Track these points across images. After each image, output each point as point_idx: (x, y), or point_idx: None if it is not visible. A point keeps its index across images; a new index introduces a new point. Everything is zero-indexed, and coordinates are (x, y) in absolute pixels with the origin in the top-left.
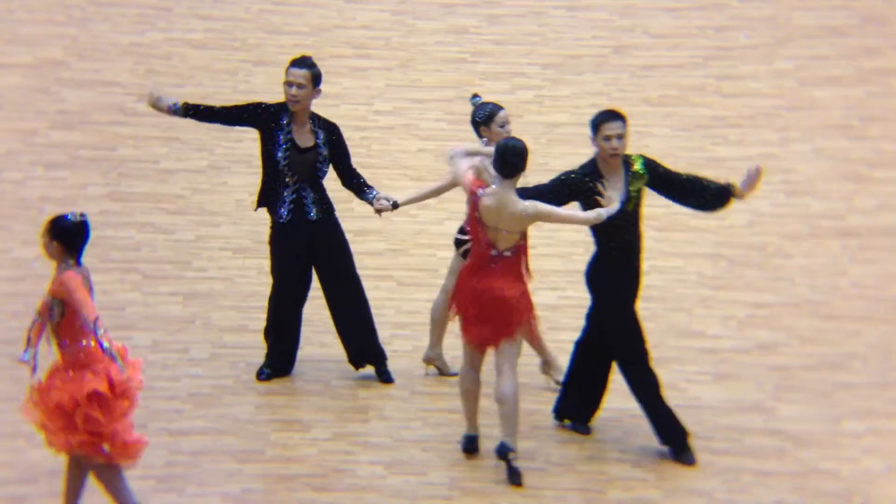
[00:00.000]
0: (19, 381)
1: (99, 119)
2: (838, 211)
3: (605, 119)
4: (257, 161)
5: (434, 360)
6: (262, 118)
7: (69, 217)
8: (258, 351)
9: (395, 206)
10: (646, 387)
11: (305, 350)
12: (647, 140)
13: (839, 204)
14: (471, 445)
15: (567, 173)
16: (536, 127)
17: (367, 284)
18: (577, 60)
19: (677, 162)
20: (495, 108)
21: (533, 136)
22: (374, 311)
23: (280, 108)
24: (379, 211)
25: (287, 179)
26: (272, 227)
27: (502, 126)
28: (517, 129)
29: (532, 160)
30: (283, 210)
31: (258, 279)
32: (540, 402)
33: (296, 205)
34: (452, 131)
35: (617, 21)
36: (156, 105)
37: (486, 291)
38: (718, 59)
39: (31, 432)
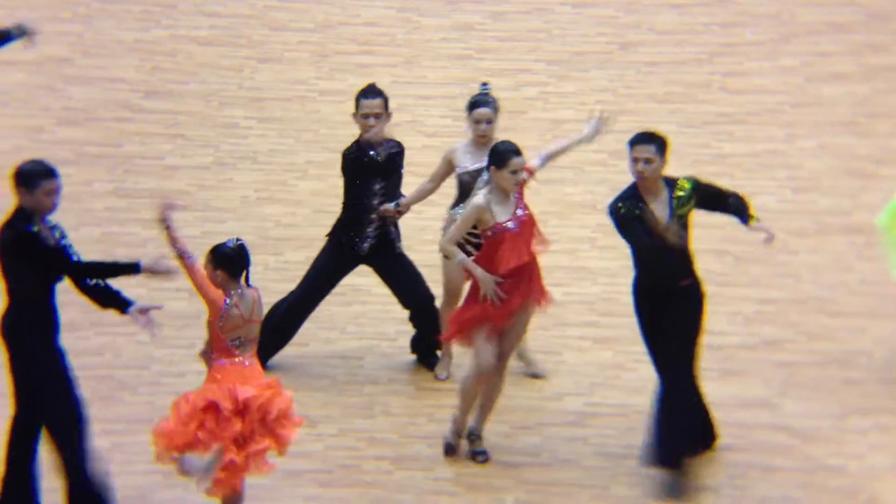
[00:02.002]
0: None
1: (104, 116)
2: (845, 207)
3: (635, 141)
4: (262, 157)
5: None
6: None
7: (229, 244)
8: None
9: (398, 207)
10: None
11: (311, 346)
12: None
13: (845, 200)
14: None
15: (615, 206)
16: (542, 123)
17: (371, 281)
18: (582, 57)
19: (683, 159)
20: (480, 100)
21: (538, 132)
22: (379, 307)
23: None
24: (384, 216)
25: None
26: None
27: (477, 122)
28: (522, 126)
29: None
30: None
31: (263, 275)
32: (543, 398)
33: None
34: (457, 128)
35: (622, 18)
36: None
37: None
38: (724, 56)
39: None
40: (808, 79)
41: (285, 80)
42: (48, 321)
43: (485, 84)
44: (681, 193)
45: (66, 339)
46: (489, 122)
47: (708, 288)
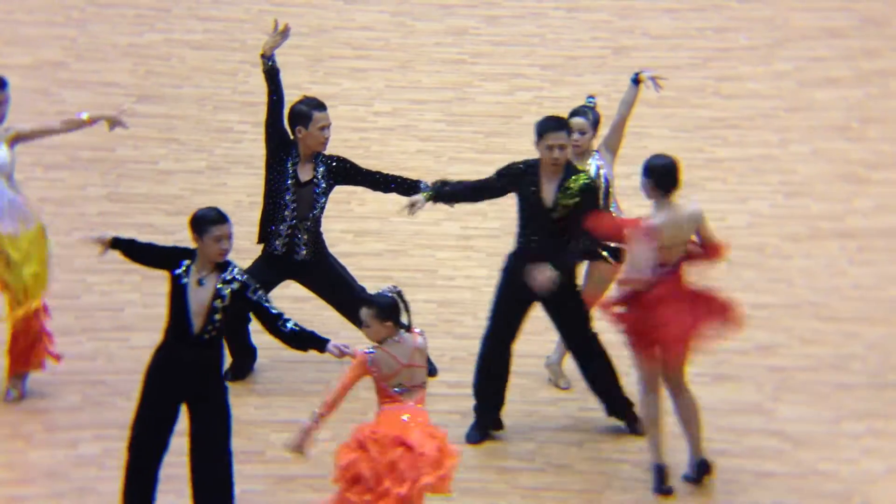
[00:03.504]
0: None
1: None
2: (837, 212)
3: (549, 129)
4: (256, 162)
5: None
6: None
7: (387, 294)
8: (258, 351)
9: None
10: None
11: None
12: (645, 141)
13: (838, 205)
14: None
15: (513, 166)
16: None
17: (366, 285)
18: (576, 61)
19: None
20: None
21: (532, 137)
22: None
23: None
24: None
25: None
26: None
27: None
28: (516, 130)
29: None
30: None
31: None
32: (538, 403)
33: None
34: (451, 132)
35: (616, 22)
36: None
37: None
38: (717, 61)
39: (30, 433)
40: (802, 84)
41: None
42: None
43: (591, 97)
44: (572, 186)
45: (59, 345)
46: (582, 132)
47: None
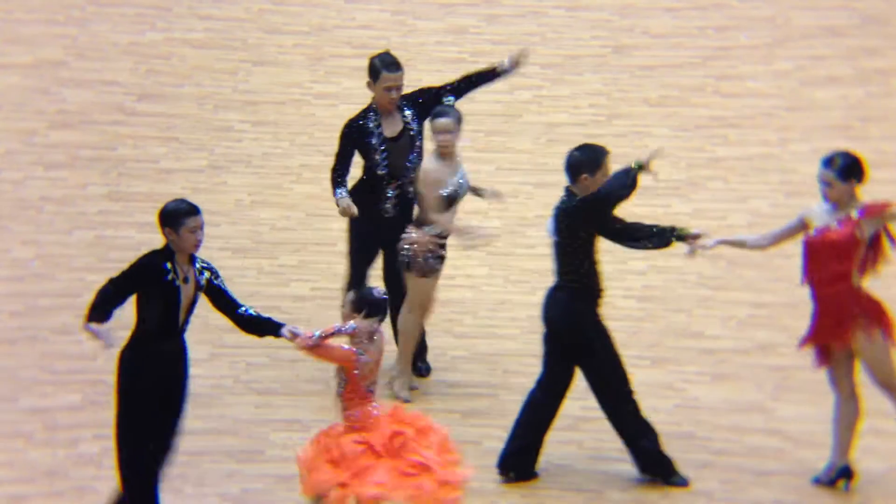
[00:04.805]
0: (19, 381)
1: (98, 119)
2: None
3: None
4: (257, 161)
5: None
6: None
7: (376, 293)
8: (258, 351)
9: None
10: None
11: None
12: (646, 140)
13: None
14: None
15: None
16: (536, 127)
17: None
18: (576, 60)
19: (677, 163)
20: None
21: (532, 136)
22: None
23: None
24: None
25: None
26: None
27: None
28: (516, 129)
29: (531, 160)
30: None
31: (257, 279)
32: None
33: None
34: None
35: (616, 21)
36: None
37: None
38: (718, 60)
39: (30, 432)
40: (802, 82)
41: (280, 84)
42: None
43: (449, 96)
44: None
45: (59, 344)
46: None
47: (702, 292)
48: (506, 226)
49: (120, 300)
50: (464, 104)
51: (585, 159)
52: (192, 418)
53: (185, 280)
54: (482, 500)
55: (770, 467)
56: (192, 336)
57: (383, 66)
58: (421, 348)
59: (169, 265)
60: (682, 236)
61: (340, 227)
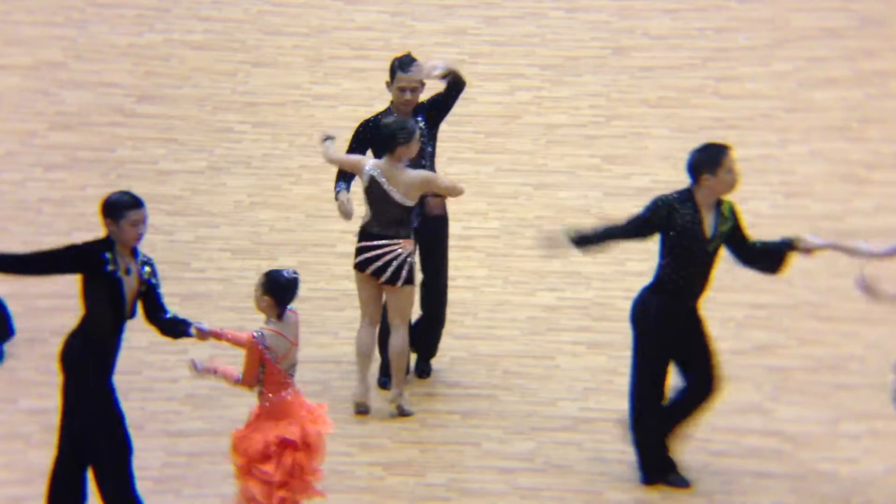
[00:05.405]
0: (18, 382)
1: (98, 120)
2: (837, 212)
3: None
4: (256, 162)
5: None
6: None
7: (285, 274)
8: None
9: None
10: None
11: (304, 351)
12: (646, 142)
13: (838, 205)
14: None
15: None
16: (535, 128)
17: None
18: (576, 62)
19: (676, 164)
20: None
21: (532, 137)
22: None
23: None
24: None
25: None
26: None
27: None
28: (516, 130)
29: (530, 161)
30: None
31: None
32: (538, 403)
33: None
34: (451, 132)
35: (616, 22)
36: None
37: None
38: (717, 61)
39: (29, 433)
40: (801, 84)
41: (279, 85)
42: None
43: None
44: (724, 209)
45: (58, 345)
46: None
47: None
48: (505, 227)
49: (41, 268)
50: (464, 105)
51: (705, 159)
52: (192, 419)
53: (128, 272)
54: (479, 501)
55: (769, 469)
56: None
57: (399, 67)
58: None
59: (109, 255)
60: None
61: (340, 228)
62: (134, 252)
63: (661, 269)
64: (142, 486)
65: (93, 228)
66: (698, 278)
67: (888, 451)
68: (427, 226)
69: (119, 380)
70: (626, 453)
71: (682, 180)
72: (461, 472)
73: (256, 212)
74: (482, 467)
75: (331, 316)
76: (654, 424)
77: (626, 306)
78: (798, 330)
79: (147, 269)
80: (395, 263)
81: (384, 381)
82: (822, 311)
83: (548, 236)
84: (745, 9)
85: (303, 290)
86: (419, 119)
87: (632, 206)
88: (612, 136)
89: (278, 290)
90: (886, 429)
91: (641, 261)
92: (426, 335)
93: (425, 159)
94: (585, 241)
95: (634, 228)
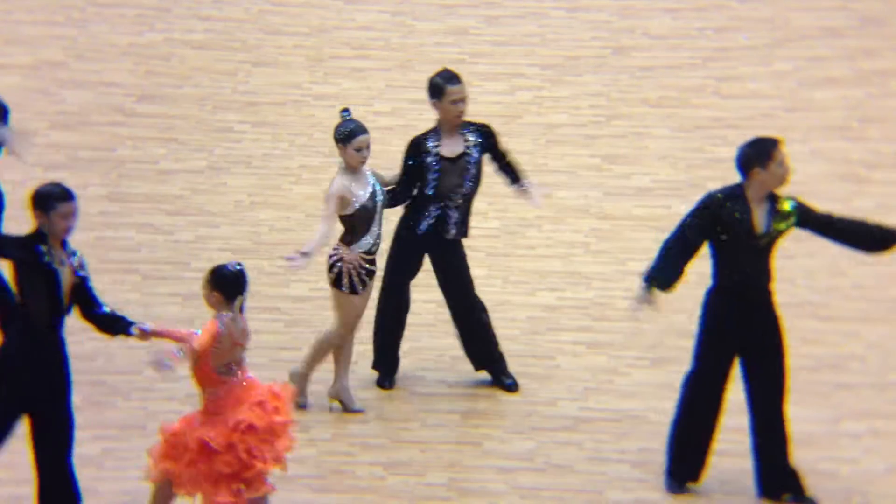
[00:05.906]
0: None
1: (98, 120)
2: (837, 212)
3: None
4: (256, 161)
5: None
6: None
7: (228, 267)
8: (258, 351)
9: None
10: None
11: (304, 351)
12: (646, 141)
13: (838, 205)
14: None
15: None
16: (536, 128)
17: None
18: (576, 61)
19: (676, 164)
20: (357, 128)
21: (532, 136)
22: (371, 311)
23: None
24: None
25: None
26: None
27: (358, 150)
28: (516, 130)
29: (531, 161)
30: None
31: (257, 279)
32: (538, 403)
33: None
34: None
35: (616, 22)
36: None
37: None
38: (717, 60)
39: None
40: (802, 83)
41: (280, 84)
42: None
43: (345, 110)
44: (784, 208)
45: None
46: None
47: (702, 292)
48: (505, 227)
49: None
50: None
51: (755, 153)
52: None
53: (62, 263)
54: (479, 501)
55: None
56: None
57: (446, 81)
58: (395, 363)
59: (43, 248)
60: None
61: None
62: (63, 244)
63: (715, 267)
64: (142, 486)
65: (94, 228)
66: (754, 273)
67: (889, 451)
68: (443, 257)
69: (119, 380)
70: (625, 453)
71: (682, 180)
72: (461, 472)
73: (256, 212)
74: (482, 467)
75: (330, 316)
76: (699, 425)
77: (626, 306)
78: (799, 329)
79: (76, 260)
80: (336, 267)
81: (385, 382)
82: (823, 311)
83: (635, 298)
84: (746, 8)
85: (303, 290)
86: (471, 137)
87: (632, 206)
88: (612, 135)
89: (224, 284)
90: (887, 428)
91: (642, 261)
92: (478, 343)
93: (472, 181)
94: (662, 275)
95: (691, 238)
